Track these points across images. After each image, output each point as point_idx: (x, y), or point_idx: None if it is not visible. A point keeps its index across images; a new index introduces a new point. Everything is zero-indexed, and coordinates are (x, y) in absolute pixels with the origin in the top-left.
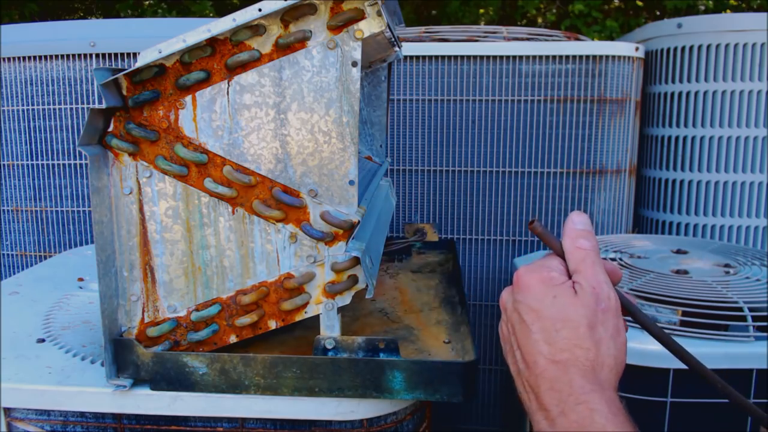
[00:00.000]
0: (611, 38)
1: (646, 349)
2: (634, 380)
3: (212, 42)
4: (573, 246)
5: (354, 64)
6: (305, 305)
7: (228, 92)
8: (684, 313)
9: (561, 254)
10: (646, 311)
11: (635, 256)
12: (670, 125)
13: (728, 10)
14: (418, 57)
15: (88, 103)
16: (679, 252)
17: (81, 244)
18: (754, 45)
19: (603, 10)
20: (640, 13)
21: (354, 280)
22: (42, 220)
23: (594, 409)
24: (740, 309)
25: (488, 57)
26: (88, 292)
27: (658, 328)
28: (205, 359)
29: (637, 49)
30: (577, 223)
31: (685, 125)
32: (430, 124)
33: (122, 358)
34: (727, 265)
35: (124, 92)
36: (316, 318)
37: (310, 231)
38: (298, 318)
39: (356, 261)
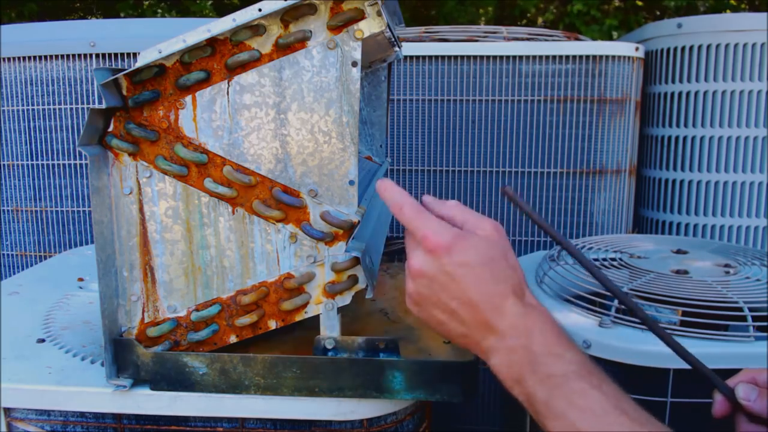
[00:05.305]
0: (610, 36)
1: (645, 349)
2: (634, 380)
3: (212, 42)
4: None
5: (354, 64)
6: (305, 305)
7: (228, 92)
8: (684, 313)
9: (532, 217)
10: (646, 311)
11: (635, 256)
12: (670, 125)
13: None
14: (418, 57)
15: (88, 103)
16: (679, 252)
17: (81, 244)
18: (754, 45)
19: (602, 10)
20: (639, 12)
21: (354, 280)
22: (42, 220)
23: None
24: (740, 309)
25: (488, 57)
26: (88, 292)
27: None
28: (205, 359)
29: (637, 49)
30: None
31: (685, 125)
32: (430, 124)
33: (122, 358)
34: (727, 265)
35: (124, 92)
36: (316, 318)
37: (310, 231)
38: (298, 318)
39: (356, 261)
